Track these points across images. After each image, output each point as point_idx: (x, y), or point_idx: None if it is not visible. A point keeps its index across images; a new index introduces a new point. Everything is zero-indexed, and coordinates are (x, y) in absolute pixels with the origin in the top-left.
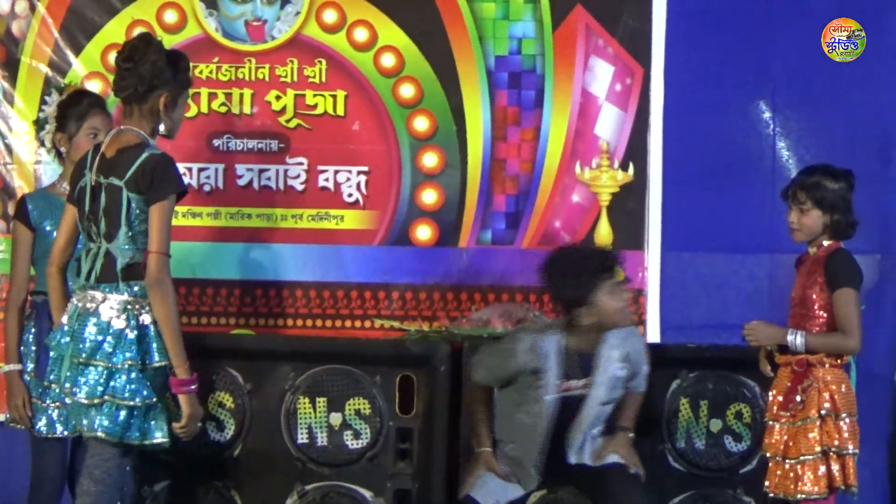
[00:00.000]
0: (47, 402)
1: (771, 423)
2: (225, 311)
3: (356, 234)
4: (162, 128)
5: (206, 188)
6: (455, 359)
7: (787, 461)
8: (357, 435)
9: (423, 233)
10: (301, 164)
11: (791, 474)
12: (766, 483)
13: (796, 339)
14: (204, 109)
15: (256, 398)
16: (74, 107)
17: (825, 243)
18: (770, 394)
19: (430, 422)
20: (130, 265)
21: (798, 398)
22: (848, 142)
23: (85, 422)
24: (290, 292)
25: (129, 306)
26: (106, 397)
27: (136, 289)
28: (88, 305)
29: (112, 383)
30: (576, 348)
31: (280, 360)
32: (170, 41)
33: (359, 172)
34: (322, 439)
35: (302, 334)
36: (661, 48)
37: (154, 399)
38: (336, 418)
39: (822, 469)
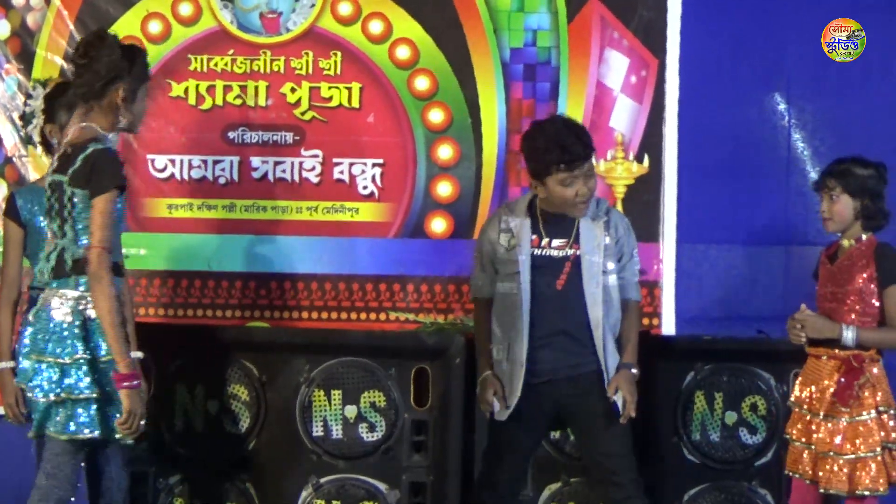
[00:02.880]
0: None
1: (812, 415)
2: (240, 304)
3: (371, 227)
4: (122, 122)
5: (222, 181)
6: (470, 351)
7: (841, 457)
8: (372, 427)
9: (438, 225)
10: (316, 156)
11: (845, 469)
12: (801, 471)
13: (851, 334)
14: (219, 102)
15: (271, 391)
16: (63, 97)
17: (863, 236)
18: (798, 384)
19: (445, 414)
20: (77, 261)
21: (855, 393)
22: (863, 133)
23: (37, 417)
24: (305, 285)
25: (77, 302)
26: (63, 395)
27: (80, 284)
28: (43, 303)
29: (66, 380)
30: (550, 211)
31: (295, 352)
32: (185, 33)
33: (374, 165)
34: (337, 432)
35: (317, 327)
36: (675, 40)
37: (95, 394)
38: (351, 411)
39: (880, 465)
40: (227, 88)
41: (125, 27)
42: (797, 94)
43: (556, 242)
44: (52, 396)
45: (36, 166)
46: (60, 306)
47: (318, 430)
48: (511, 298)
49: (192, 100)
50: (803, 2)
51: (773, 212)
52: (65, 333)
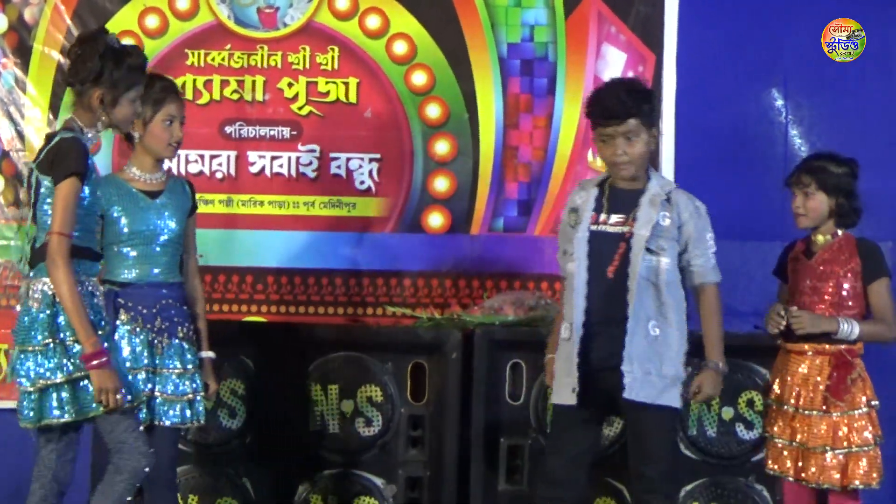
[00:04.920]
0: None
1: (798, 411)
2: (237, 299)
3: (368, 222)
4: (101, 124)
5: (219, 175)
6: (467, 346)
7: (835, 451)
8: (369, 422)
9: (435, 220)
10: (313, 151)
11: (834, 463)
12: (781, 468)
13: (850, 327)
14: (216, 97)
15: (268, 385)
16: (150, 92)
17: (839, 231)
18: (776, 381)
19: (442, 409)
20: (42, 247)
21: (848, 388)
22: (860, 129)
23: (29, 407)
24: (301, 279)
25: (45, 288)
26: (38, 383)
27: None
28: (24, 292)
29: (39, 368)
30: (619, 188)
31: (292, 347)
32: (182, 28)
33: (371, 160)
34: (334, 427)
35: (313, 321)
36: (673, 35)
37: (60, 378)
38: (348, 406)
39: (871, 459)
40: (224, 83)
41: (122, 22)
42: (794, 89)
43: (614, 218)
44: (30, 386)
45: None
46: (34, 294)
47: (315, 425)
48: (571, 278)
49: (189, 94)
50: None
51: (770, 207)
52: (37, 320)
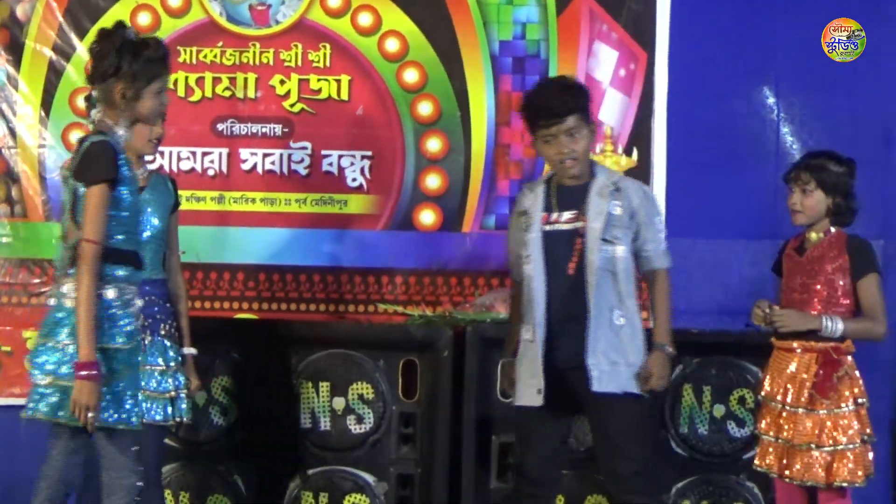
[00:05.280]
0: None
1: (785, 408)
2: (228, 296)
3: (360, 219)
4: (124, 118)
5: (210, 172)
6: (458, 344)
7: (820, 449)
8: (360, 420)
9: (427, 217)
10: (305, 148)
11: (822, 462)
12: (767, 465)
13: (834, 325)
14: (208, 94)
15: (260, 383)
16: None
17: (832, 229)
18: (767, 379)
19: (433, 406)
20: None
21: (834, 386)
22: (851, 127)
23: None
24: (293, 277)
25: (73, 290)
26: (48, 378)
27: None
28: (58, 289)
29: (54, 365)
30: (566, 185)
31: (283, 344)
32: (174, 25)
33: (363, 157)
34: (325, 424)
35: (305, 319)
36: (664, 33)
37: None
38: (339, 403)
39: (858, 457)
40: (216, 80)
41: (114, 19)
42: (786, 87)
43: (566, 215)
44: (41, 379)
45: (24, 158)
46: (61, 294)
47: (306, 422)
48: (529, 280)
49: (181, 91)
50: None
51: (761, 205)
52: (57, 319)
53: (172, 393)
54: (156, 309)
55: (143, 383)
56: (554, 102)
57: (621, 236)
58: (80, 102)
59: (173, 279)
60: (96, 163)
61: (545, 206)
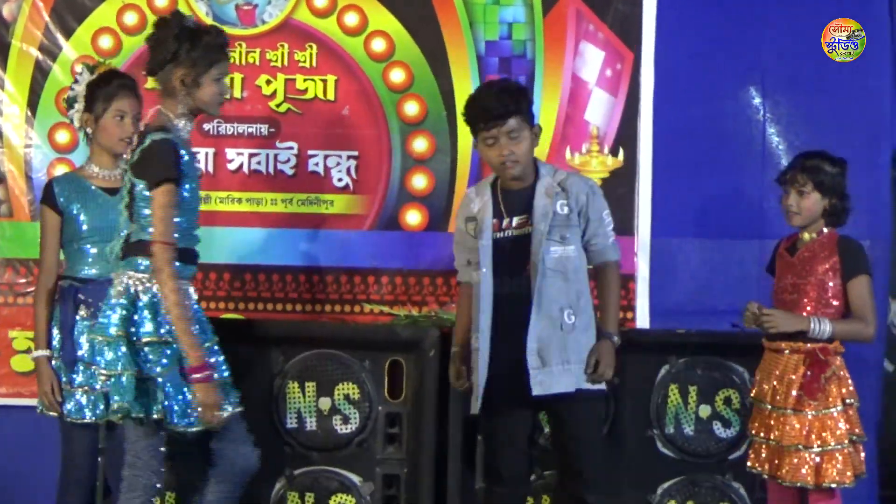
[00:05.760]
0: (74, 386)
1: (774, 410)
2: (214, 296)
3: (346, 219)
4: (184, 107)
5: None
6: (444, 343)
7: (808, 450)
8: (346, 420)
9: (413, 217)
10: (291, 148)
11: (810, 463)
12: (760, 466)
13: (821, 326)
14: None
15: (246, 383)
16: (103, 87)
17: (825, 230)
18: (757, 380)
19: (419, 407)
20: (138, 243)
21: (822, 387)
22: (837, 127)
23: (101, 404)
24: (279, 277)
25: (130, 281)
26: (103, 373)
27: (139, 265)
28: (109, 287)
29: (105, 359)
30: (511, 189)
31: (269, 344)
32: None
33: (349, 157)
34: (311, 424)
35: (291, 319)
36: (651, 34)
37: (116, 372)
38: (325, 403)
39: (847, 458)
40: None
41: (100, 19)
42: (772, 88)
43: (516, 220)
44: (113, 372)
45: (11, 158)
46: (118, 286)
47: (292, 422)
48: (477, 287)
49: None
50: None
51: (747, 205)
52: (117, 312)
53: None
54: None
55: None
56: (493, 104)
57: (569, 235)
58: None
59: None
60: (159, 163)
61: (495, 213)
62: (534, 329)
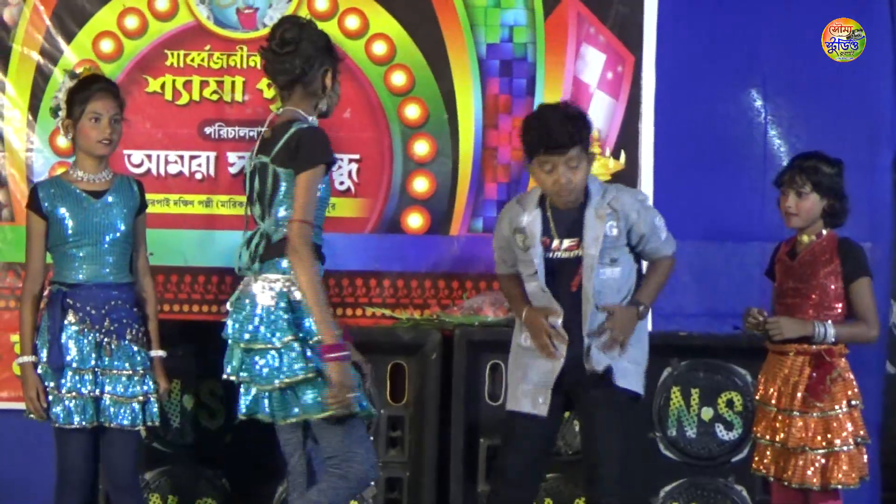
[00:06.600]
0: (63, 392)
1: (780, 412)
2: (216, 299)
3: (347, 222)
4: (324, 105)
5: (198, 176)
6: (446, 347)
7: (814, 452)
8: None
9: (415, 221)
10: None
11: (817, 464)
12: (764, 469)
13: (825, 330)
14: (195, 97)
15: None
16: (80, 92)
17: (824, 231)
18: (761, 382)
19: (421, 410)
20: (279, 242)
21: (827, 388)
22: (838, 129)
23: (247, 404)
24: None
25: (282, 285)
26: (285, 380)
27: (283, 265)
28: (244, 289)
29: (283, 366)
30: (559, 207)
31: None
32: (161, 28)
33: (350, 160)
34: None
35: None
36: (652, 36)
37: (311, 374)
38: None
39: (852, 459)
40: (203, 84)
41: (101, 23)
42: (773, 90)
43: (566, 243)
44: (276, 383)
45: (12, 162)
46: (264, 290)
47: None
48: (538, 297)
49: (168, 95)
50: None
51: (749, 208)
52: (272, 317)
53: (141, 398)
54: (122, 313)
55: (109, 388)
56: (558, 133)
57: (618, 256)
58: None
59: (140, 282)
60: (317, 146)
61: (544, 231)
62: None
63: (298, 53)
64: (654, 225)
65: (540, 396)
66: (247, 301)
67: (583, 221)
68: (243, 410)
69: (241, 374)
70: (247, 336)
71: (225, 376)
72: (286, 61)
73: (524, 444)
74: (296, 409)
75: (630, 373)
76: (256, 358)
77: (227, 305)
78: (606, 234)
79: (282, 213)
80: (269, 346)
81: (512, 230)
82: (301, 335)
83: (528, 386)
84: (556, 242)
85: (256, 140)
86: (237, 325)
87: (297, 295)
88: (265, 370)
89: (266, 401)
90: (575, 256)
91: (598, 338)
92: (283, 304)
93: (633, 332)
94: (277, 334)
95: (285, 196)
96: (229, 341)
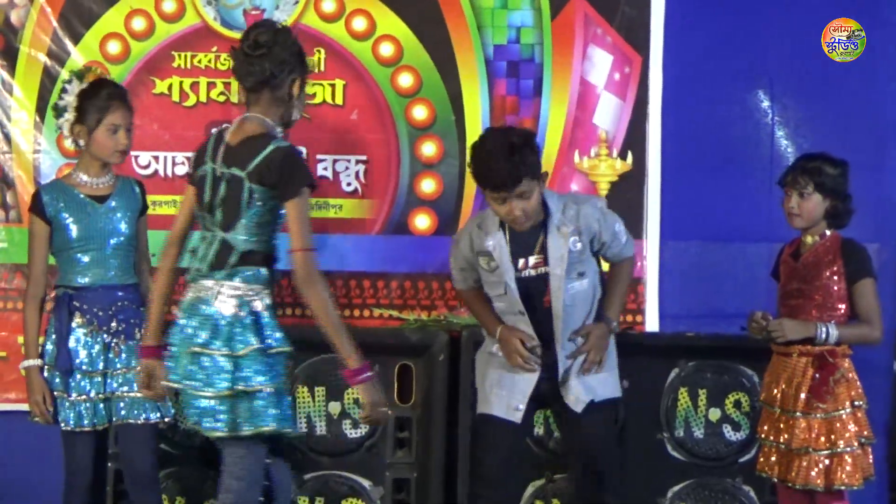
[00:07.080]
0: (72, 395)
1: (784, 413)
2: None
3: (355, 223)
4: (288, 115)
5: None
6: (453, 348)
7: (818, 453)
8: (356, 424)
9: (422, 222)
10: (300, 153)
11: (821, 465)
12: (769, 470)
13: (827, 331)
14: (203, 99)
15: None
16: (94, 99)
17: (827, 232)
18: (766, 383)
19: (429, 411)
20: (246, 254)
21: (830, 389)
22: (845, 130)
23: (205, 420)
24: (288, 282)
25: (241, 294)
26: (238, 387)
27: (248, 275)
28: (200, 295)
29: (238, 373)
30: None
31: None
32: (168, 30)
33: (357, 161)
34: (321, 428)
35: (301, 323)
36: (659, 37)
37: (274, 386)
38: (335, 407)
39: (856, 460)
40: (210, 85)
41: (108, 24)
42: (780, 91)
43: (532, 261)
44: (224, 391)
45: (19, 163)
46: (228, 299)
47: (301, 427)
48: (512, 318)
49: (175, 97)
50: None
51: (756, 208)
52: (237, 328)
53: None
54: (129, 314)
55: (124, 388)
56: (503, 174)
57: (585, 269)
58: None
59: (144, 283)
60: (297, 171)
61: (513, 252)
62: (561, 357)
63: (270, 57)
64: (615, 231)
65: (517, 403)
66: (203, 306)
67: (546, 240)
68: (192, 420)
69: (184, 381)
70: (201, 342)
71: (169, 384)
72: (256, 63)
73: (500, 444)
74: (245, 423)
75: (608, 381)
76: (204, 362)
77: (177, 310)
78: (571, 250)
79: (252, 227)
80: (232, 353)
81: (474, 252)
82: (262, 345)
83: (503, 391)
84: (521, 262)
85: (209, 138)
86: (189, 331)
87: (257, 306)
88: (216, 376)
89: (212, 410)
90: (543, 273)
91: (575, 361)
92: (247, 314)
93: (607, 348)
94: (239, 343)
95: (257, 211)
96: (173, 348)
